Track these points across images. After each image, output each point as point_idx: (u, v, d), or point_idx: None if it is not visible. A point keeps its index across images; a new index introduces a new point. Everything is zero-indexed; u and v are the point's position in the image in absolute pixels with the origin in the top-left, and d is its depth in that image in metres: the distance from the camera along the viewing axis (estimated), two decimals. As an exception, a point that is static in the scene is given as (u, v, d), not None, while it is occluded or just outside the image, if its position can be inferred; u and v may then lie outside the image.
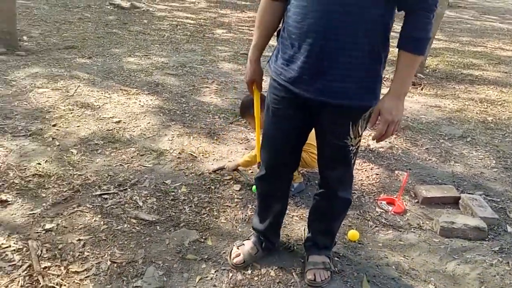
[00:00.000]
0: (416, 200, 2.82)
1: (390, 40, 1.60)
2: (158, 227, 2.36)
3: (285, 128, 1.83)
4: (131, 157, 3.09)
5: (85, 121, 3.62)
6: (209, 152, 3.21)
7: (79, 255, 2.11)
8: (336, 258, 2.21)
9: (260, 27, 1.80)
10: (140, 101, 4.12)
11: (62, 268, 2.02)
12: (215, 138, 3.44)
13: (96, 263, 2.07)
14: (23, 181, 2.70)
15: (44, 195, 2.58)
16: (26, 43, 5.85)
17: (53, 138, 3.28)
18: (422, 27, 1.50)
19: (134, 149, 3.20)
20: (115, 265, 2.06)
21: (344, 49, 1.51)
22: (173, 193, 2.68)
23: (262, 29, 1.80)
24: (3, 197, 2.51)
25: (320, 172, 1.95)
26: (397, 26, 1.55)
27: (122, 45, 6.20)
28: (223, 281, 2.01)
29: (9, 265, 2.02)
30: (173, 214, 2.48)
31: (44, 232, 2.26)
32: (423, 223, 2.59)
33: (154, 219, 2.42)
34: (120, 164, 2.99)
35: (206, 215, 2.48)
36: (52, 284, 1.92)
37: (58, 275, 1.98)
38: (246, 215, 2.50)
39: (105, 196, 2.61)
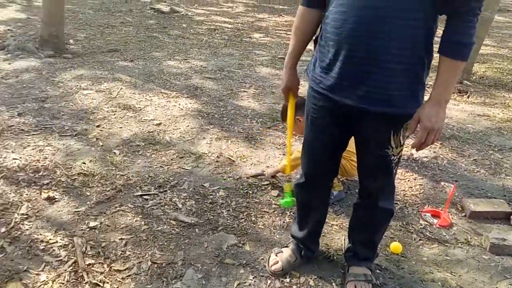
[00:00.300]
0: (464, 214, 2.71)
1: (434, 45, 1.56)
2: (197, 230, 2.39)
3: (324, 136, 1.82)
4: (171, 159, 3.15)
5: (127, 122, 3.72)
6: (247, 157, 3.24)
7: (121, 254, 2.17)
8: (377, 271, 2.16)
9: (296, 34, 1.80)
10: (179, 104, 4.20)
11: (105, 265, 2.08)
12: (253, 142, 3.47)
13: (137, 263, 2.12)
14: (69, 179, 2.80)
15: (88, 193, 2.67)
16: (72, 46, 6.07)
17: (97, 139, 3.38)
18: (464, 31, 1.45)
19: (173, 151, 3.27)
20: (155, 265, 2.11)
21: (385, 54, 1.47)
22: (212, 197, 2.72)
23: (299, 37, 1.80)
24: (51, 194, 2.61)
25: (360, 181, 1.93)
26: (439, 31, 1.51)
27: (162, 48, 6.33)
28: (261, 288, 2.02)
29: (56, 260, 2.09)
30: (212, 217, 2.51)
31: (88, 229, 2.34)
32: (471, 238, 2.48)
33: (193, 221, 2.46)
34: (160, 166, 3.05)
35: (243, 220, 2.50)
36: (95, 281, 1.98)
37: (101, 273, 2.04)
38: (284, 222, 2.50)
39: (146, 197, 2.67)
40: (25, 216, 2.41)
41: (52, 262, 2.08)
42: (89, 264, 2.08)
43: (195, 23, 8.45)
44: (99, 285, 1.96)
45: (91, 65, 5.26)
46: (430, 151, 3.46)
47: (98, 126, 3.60)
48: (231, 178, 2.94)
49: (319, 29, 1.74)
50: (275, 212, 2.59)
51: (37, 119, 3.66)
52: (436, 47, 1.53)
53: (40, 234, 2.27)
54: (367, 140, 1.74)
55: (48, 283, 1.95)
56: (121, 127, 3.62)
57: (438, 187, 3.01)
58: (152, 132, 3.57)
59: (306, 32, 1.78)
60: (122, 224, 2.41)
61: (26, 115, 3.72)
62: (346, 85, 1.57)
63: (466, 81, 5.35)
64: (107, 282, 1.98)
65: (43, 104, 3.98)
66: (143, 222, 2.43)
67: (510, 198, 2.92)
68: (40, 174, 2.84)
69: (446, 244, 2.42)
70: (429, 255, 2.33)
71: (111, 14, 8.69)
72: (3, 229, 2.29)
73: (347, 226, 2.15)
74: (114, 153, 3.19)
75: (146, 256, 2.16)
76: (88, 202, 2.58)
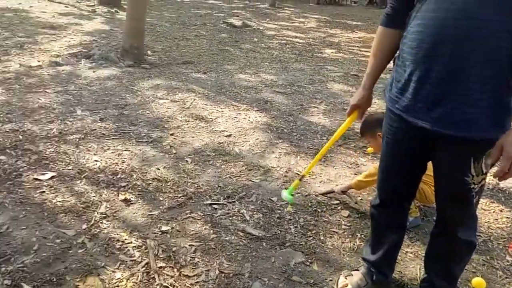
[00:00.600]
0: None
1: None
2: (264, 244, 2.41)
3: (399, 158, 1.77)
4: (240, 171, 3.20)
5: (199, 132, 3.84)
6: (316, 174, 3.22)
7: (190, 260, 2.23)
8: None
9: (375, 54, 1.78)
10: (249, 117, 4.27)
11: (175, 270, 2.15)
12: (323, 160, 3.44)
13: (206, 270, 2.16)
14: (144, 184, 2.93)
15: (161, 198, 2.78)
16: (150, 57, 6.39)
17: (170, 146, 3.52)
18: None
19: (242, 163, 3.32)
20: (223, 275, 2.14)
21: (463, 75, 1.41)
22: (279, 211, 2.72)
23: (378, 57, 1.78)
24: (127, 196, 2.75)
25: (437, 209, 1.85)
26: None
27: (234, 62, 6.50)
28: (328, 308, 1.99)
29: (130, 260, 2.20)
30: (279, 232, 2.52)
31: (160, 233, 2.43)
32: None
33: (260, 234, 2.47)
34: (229, 177, 3.11)
35: (312, 238, 2.48)
36: (166, 284, 2.05)
37: (172, 276, 2.10)
38: (354, 244, 2.45)
39: (215, 206, 2.74)
40: (104, 215, 2.56)
41: (126, 261, 2.19)
42: (161, 267, 2.16)
43: (267, 37, 8.59)
44: (169, 289, 2.02)
45: (167, 76, 5.51)
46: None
47: (172, 135, 3.75)
48: (299, 195, 2.93)
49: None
50: (345, 233, 2.54)
51: (117, 124, 3.87)
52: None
53: (117, 234, 2.39)
54: (444, 166, 1.66)
55: (123, 281, 2.05)
56: (193, 137, 3.74)
57: (525, 220, 2.81)
58: (222, 143, 3.66)
59: (386, 53, 1.77)
60: (192, 230, 2.48)
61: (107, 120, 3.95)
62: (421, 107, 1.53)
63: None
64: (177, 287, 2.04)
65: (123, 110, 4.21)
66: (211, 231, 2.48)
67: None
68: (118, 176, 3.00)
69: (534, 284, 2.25)
70: (514, 294, 2.17)
71: (186, 27, 9.06)
72: (84, 226, 2.44)
73: (423, 254, 2.06)
74: (186, 161, 3.30)
75: (214, 264, 2.21)
76: (161, 207, 2.68)
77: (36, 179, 2.88)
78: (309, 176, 3.17)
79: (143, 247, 2.30)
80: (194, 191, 2.88)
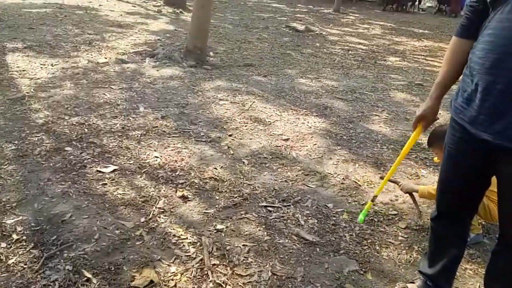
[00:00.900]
0: None
1: None
2: (318, 249, 2.37)
3: (460, 170, 1.72)
4: (296, 176, 3.18)
5: (257, 135, 3.86)
6: (374, 183, 3.13)
7: (243, 259, 2.24)
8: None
9: (448, 65, 1.75)
10: (308, 122, 4.24)
11: (228, 268, 2.16)
12: (382, 169, 3.35)
13: (258, 271, 2.16)
14: (201, 182, 2.98)
15: (217, 197, 2.81)
16: (212, 58, 6.52)
17: (228, 147, 3.56)
18: None
19: (299, 168, 3.29)
20: (275, 277, 2.13)
21: None
22: (334, 218, 2.67)
23: (449, 67, 1.74)
24: (185, 193, 2.81)
25: (500, 225, 1.74)
26: None
27: (295, 66, 6.48)
28: (381, 320, 1.93)
29: (185, 255, 2.24)
30: (333, 239, 2.47)
31: (215, 231, 2.46)
32: None
33: (314, 240, 2.44)
34: (285, 181, 3.10)
35: (367, 247, 2.41)
36: (219, 282, 2.06)
37: (225, 274, 2.12)
38: (411, 257, 2.35)
39: (270, 209, 2.73)
40: (162, 210, 2.63)
41: (181, 256, 2.23)
42: (214, 264, 2.18)
43: (329, 42, 8.51)
44: (221, 286, 2.04)
45: (227, 77, 5.59)
46: None
47: (230, 135, 3.79)
48: (356, 203, 2.86)
49: None
50: (402, 245, 2.45)
51: (177, 123, 3.98)
52: None
53: (173, 229, 2.45)
54: (506, 180, 1.58)
55: (177, 275, 2.09)
56: (251, 139, 3.77)
57: None
58: (279, 146, 3.65)
59: (458, 64, 1.73)
60: (246, 231, 2.48)
61: (168, 118, 4.07)
62: (484, 119, 1.49)
63: None
64: (229, 285, 2.06)
65: (183, 110, 4.32)
66: (265, 233, 2.48)
67: None
68: (177, 173, 3.08)
69: None
70: None
71: (248, 30, 9.17)
72: (142, 219, 2.52)
73: (483, 272, 1.95)
74: (243, 162, 3.32)
75: (267, 266, 2.20)
76: (217, 206, 2.71)
77: (99, 171, 3.02)
78: (367, 185, 3.09)
79: (198, 243, 2.34)
80: (249, 193, 2.89)
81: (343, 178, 3.17)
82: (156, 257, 2.20)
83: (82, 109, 4.12)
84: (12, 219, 2.45)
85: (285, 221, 2.61)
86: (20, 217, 2.46)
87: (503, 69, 1.41)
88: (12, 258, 2.14)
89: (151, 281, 2.03)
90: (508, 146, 1.46)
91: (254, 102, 4.69)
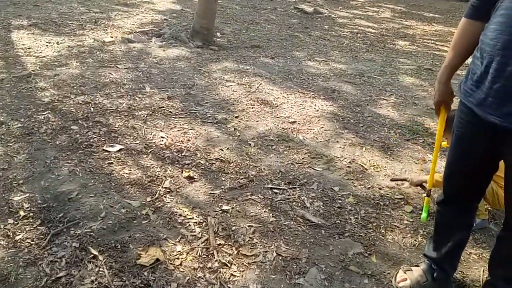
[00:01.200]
0: None
1: None
2: (323, 231, 2.37)
3: (467, 154, 1.71)
4: (302, 158, 3.17)
5: (263, 117, 3.84)
6: (381, 167, 3.11)
7: (249, 240, 2.25)
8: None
9: (455, 47, 1.72)
10: (315, 105, 4.20)
11: (233, 248, 2.17)
12: (389, 153, 3.32)
13: (263, 252, 2.17)
14: (207, 163, 2.98)
15: (223, 178, 2.81)
16: (219, 39, 6.46)
17: (234, 129, 3.55)
18: None
19: (305, 150, 3.28)
20: (280, 258, 2.14)
21: None
22: (340, 201, 2.67)
23: (458, 50, 1.71)
24: (191, 174, 2.81)
25: (506, 211, 1.73)
26: None
27: (303, 48, 6.41)
28: (385, 303, 1.93)
29: (191, 235, 2.25)
30: (339, 222, 2.47)
31: (220, 212, 2.46)
32: None
33: (319, 222, 2.44)
34: (291, 163, 3.08)
35: (372, 230, 2.41)
36: (224, 261, 2.08)
37: (230, 254, 2.13)
38: (416, 240, 2.35)
39: (276, 191, 2.73)
40: (168, 190, 2.63)
41: (187, 235, 2.24)
42: (220, 244, 2.19)
43: (338, 25, 8.39)
44: (226, 265, 2.05)
45: (234, 59, 5.54)
46: None
47: (236, 117, 3.77)
48: (362, 186, 2.85)
49: None
50: (407, 229, 2.45)
51: (184, 104, 3.96)
52: None
53: (179, 209, 2.46)
54: None
55: (183, 254, 2.10)
56: (257, 121, 3.74)
57: None
58: (286, 129, 3.63)
59: (467, 46, 1.70)
60: (252, 212, 2.49)
61: (175, 99, 4.05)
62: (492, 101, 1.47)
63: None
64: (234, 264, 2.07)
65: (190, 90, 4.30)
66: (271, 214, 2.48)
67: None
68: (183, 154, 3.07)
69: None
70: None
71: (256, 11, 9.05)
72: (148, 198, 2.53)
73: (488, 257, 1.95)
74: (249, 144, 3.31)
75: (272, 247, 2.21)
76: (222, 187, 2.71)
77: (105, 151, 3.02)
78: (374, 169, 3.07)
79: (204, 223, 2.34)
80: (255, 174, 2.89)
81: (349, 162, 3.15)
82: (162, 236, 2.22)
83: (88, 88, 4.11)
84: (19, 196, 2.46)
85: (290, 203, 2.60)
86: (27, 194, 2.48)
87: None
88: (19, 234, 2.16)
89: (157, 260, 2.04)
90: None
91: (261, 84, 4.65)
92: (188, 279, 1.96)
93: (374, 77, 5.21)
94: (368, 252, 2.24)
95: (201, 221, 2.36)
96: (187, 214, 2.41)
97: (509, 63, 1.39)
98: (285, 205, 2.59)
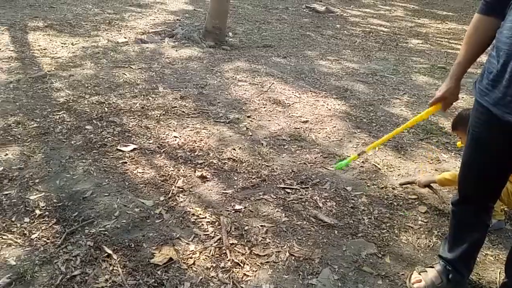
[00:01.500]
0: None
1: None
2: (336, 232, 2.36)
3: (484, 154, 1.69)
4: (315, 158, 3.16)
5: (275, 116, 3.84)
6: (394, 167, 3.09)
7: (261, 240, 2.25)
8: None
9: (469, 43, 1.70)
10: (327, 104, 4.19)
11: (246, 248, 2.18)
12: (402, 153, 3.30)
13: (276, 252, 2.17)
14: (220, 163, 2.99)
15: (236, 178, 2.82)
16: (231, 39, 6.47)
17: (247, 128, 3.55)
18: None
19: (318, 150, 3.27)
20: (293, 258, 2.14)
21: None
22: (353, 201, 2.66)
23: (471, 46, 1.70)
24: (204, 173, 2.82)
25: None
26: None
27: (315, 47, 6.39)
28: (398, 304, 1.92)
29: (204, 234, 2.26)
30: (352, 222, 2.46)
31: (233, 211, 2.47)
32: None
33: (332, 222, 2.43)
34: (304, 163, 3.08)
35: (386, 231, 2.40)
36: (237, 261, 2.08)
37: (243, 254, 2.14)
38: (430, 241, 2.33)
39: (288, 190, 2.72)
40: (181, 189, 2.65)
41: (200, 235, 2.25)
42: (232, 244, 2.19)
43: (350, 24, 8.35)
44: (239, 265, 2.06)
45: (246, 58, 5.55)
46: None
47: (249, 117, 3.78)
48: (375, 186, 2.83)
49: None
50: (421, 229, 2.43)
51: (196, 103, 3.98)
52: None
53: (192, 208, 2.47)
54: None
55: (196, 253, 2.12)
56: (269, 120, 3.75)
57: None
58: (298, 128, 3.63)
59: (480, 42, 1.68)
60: (264, 212, 2.49)
61: (187, 99, 4.07)
62: (510, 100, 1.45)
63: None
64: (247, 264, 2.07)
65: (202, 90, 4.31)
66: (283, 214, 2.48)
67: None
68: (196, 154, 3.09)
69: None
70: None
71: (267, 11, 9.05)
72: (162, 198, 2.54)
73: (504, 258, 1.93)
74: (262, 144, 3.31)
75: (285, 247, 2.21)
76: (235, 186, 2.72)
77: (119, 150, 3.05)
78: (387, 169, 3.05)
79: (216, 223, 2.35)
80: (268, 174, 2.89)
81: (362, 162, 3.14)
82: (175, 235, 2.23)
83: (102, 88, 4.15)
84: (35, 195, 2.50)
85: (303, 203, 2.60)
86: (43, 193, 2.51)
87: None
88: (35, 233, 2.19)
89: (170, 259, 2.05)
90: None
91: (273, 83, 4.65)
92: (201, 278, 1.97)
93: (387, 76, 5.17)
94: (381, 252, 2.22)
95: (214, 220, 2.37)
96: (200, 214, 2.42)
97: None
98: (297, 205, 2.59)
